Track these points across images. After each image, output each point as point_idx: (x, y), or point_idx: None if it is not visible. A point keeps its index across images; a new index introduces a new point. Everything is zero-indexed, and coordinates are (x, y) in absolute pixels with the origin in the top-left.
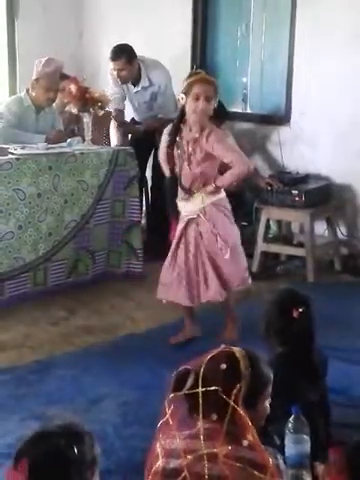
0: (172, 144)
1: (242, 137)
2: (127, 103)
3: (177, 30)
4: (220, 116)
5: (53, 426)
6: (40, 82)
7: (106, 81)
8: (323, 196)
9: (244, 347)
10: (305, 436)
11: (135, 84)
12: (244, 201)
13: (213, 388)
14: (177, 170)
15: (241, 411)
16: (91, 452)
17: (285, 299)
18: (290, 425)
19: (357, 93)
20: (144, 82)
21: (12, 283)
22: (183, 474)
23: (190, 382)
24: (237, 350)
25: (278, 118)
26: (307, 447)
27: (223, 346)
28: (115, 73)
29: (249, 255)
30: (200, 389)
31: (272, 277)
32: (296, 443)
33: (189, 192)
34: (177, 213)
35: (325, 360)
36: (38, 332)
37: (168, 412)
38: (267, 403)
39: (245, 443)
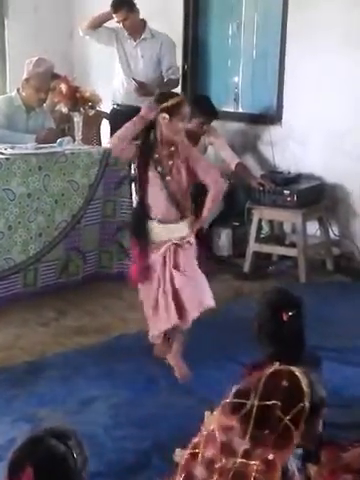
0: (146, 165)
1: (234, 137)
2: (117, 73)
3: (168, 29)
4: (210, 114)
5: (43, 430)
6: (31, 82)
7: (96, 80)
8: (315, 196)
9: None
10: None
11: (136, 39)
12: (236, 201)
13: (271, 402)
14: (156, 192)
15: (294, 430)
16: (84, 453)
17: (276, 301)
18: None
19: (348, 92)
20: (146, 34)
21: (2, 284)
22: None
23: (252, 401)
24: (295, 368)
25: (270, 118)
26: (299, 448)
27: (277, 364)
28: (120, 25)
29: (241, 255)
30: (256, 402)
31: (264, 277)
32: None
33: (182, 212)
34: (147, 240)
35: (318, 361)
36: (29, 333)
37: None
38: (320, 424)
39: (270, 457)
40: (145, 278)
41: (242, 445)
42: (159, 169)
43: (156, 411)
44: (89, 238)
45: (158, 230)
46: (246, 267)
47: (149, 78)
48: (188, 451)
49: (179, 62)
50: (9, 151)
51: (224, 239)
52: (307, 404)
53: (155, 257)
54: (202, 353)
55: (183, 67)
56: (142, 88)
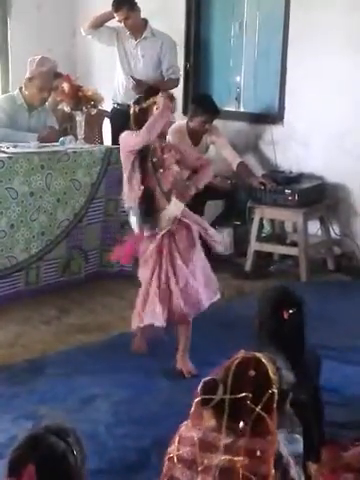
0: (145, 156)
1: (235, 136)
2: (117, 73)
3: (170, 28)
4: (212, 113)
5: (43, 428)
6: (34, 81)
7: (99, 79)
8: (316, 195)
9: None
10: (297, 436)
11: (137, 38)
12: (237, 200)
13: (242, 395)
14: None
15: (268, 418)
16: (83, 450)
17: (277, 299)
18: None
19: (350, 92)
20: (147, 33)
21: (4, 282)
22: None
23: (220, 392)
24: (261, 355)
25: (271, 117)
26: (299, 447)
27: (243, 352)
28: (121, 24)
29: (242, 254)
30: (228, 396)
31: (265, 276)
32: (288, 442)
33: (167, 197)
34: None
35: (318, 360)
36: (30, 331)
37: (192, 421)
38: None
39: (258, 454)
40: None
41: (221, 440)
42: (154, 160)
43: (157, 409)
44: (91, 237)
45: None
46: (247, 266)
47: (149, 77)
48: (166, 458)
49: (181, 61)
50: (11, 150)
51: (225, 238)
52: (275, 390)
53: (151, 246)
54: (203, 351)
55: (185, 66)
56: (139, 86)
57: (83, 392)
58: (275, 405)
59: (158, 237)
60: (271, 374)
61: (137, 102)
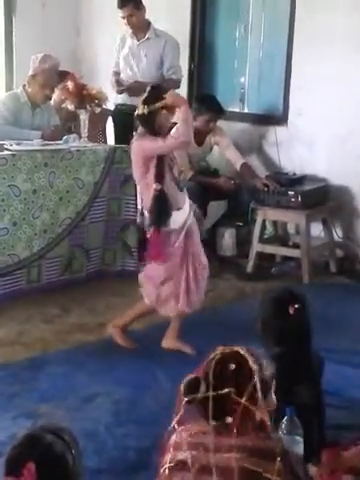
0: (162, 157)
1: (239, 137)
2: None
3: (175, 29)
4: (215, 112)
5: (39, 427)
6: (36, 78)
7: (103, 78)
8: (319, 197)
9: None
10: (298, 437)
11: (140, 38)
12: (240, 201)
13: (226, 390)
14: (169, 182)
15: (256, 409)
16: (78, 449)
17: (281, 296)
18: (283, 426)
19: (354, 94)
20: (150, 34)
21: (6, 280)
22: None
23: (203, 389)
24: (239, 348)
25: (275, 118)
26: (300, 448)
27: (221, 347)
28: (124, 21)
29: (244, 256)
30: (211, 393)
31: (267, 278)
32: (289, 444)
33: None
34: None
35: (321, 362)
36: (31, 329)
37: (176, 419)
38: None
39: (252, 448)
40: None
41: (211, 438)
42: (168, 161)
43: (157, 409)
44: (93, 235)
45: (174, 217)
46: (249, 267)
47: (152, 77)
48: (161, 467)
49: (186, 62)
50: (15, 147)
51: (228, 239)
52: (257, 379)
53: (176, 242)
54: (204, 352)
55: (190, 67)
56: (130, 90)
57: (84, 391)
58: (260, 395)
59: (183, 233)
60: (251, 364)
61: (145, 102)
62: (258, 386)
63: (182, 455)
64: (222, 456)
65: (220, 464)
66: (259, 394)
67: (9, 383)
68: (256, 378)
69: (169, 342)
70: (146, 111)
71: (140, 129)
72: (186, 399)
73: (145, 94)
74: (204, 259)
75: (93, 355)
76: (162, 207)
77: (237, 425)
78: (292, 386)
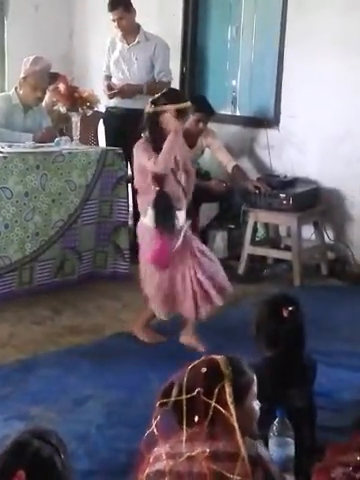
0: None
1: (231, 140)
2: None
3: (167, 32)
4: (205, 111)
5: (26, 432)
6: (28, 80)
7: (95, 81)
8: (311, 200)
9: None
10: (289, 439)
11: (130, 42)
12: (232, 204)
13: (195, 392)
14: (172, 185)
15: (222, 409)
16: (66, 451)
17: (275, 300)
18: (274, 428)
19: (346, 97)
20: (140, 37)
21: None
22: (166, 475)
23: (175, 393)
24: (216, 356)
25: (267, 121)
26: (291, 450)
27: (204, 357)
28: (115, 24)
29: (236, 258)
30: (184, 396)
31: (259, 280)
32: (280, 446)
33: (182, 201)
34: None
35: (314, 365)
36: (23, 331)
37: (154, 423)
38: (255, 404)
39: (223, 452)
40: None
41: (184, 444)
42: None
43: (149, 411)
44: (85, 238)
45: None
46: (241, 269)
47: (143, 80)
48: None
49: (178, 64)
50: (7, 149)
51: (219, 241)
52: (228, 382)
53: (178, 244)
54: (196, 355)
55: (181, 70)
56: (121, 92)
57: (75, 393)
58: (231, 399)
59: (182, 234)
60: (222, 368)
61: (154, 102)
62: (227, 389)
63: (160, 465)
64: (195, 465)
65: (194, 470)
66: (228, 397)
67: (0, 385)
68: (226, 381)
69: (185, 338)
70: (151, 110)
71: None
72: (158, 402)
73: (158, 94)
74: (209, 253)
75: (84, 357)
76: (165, 208)
77: (207, 427)
78: (285, 389)
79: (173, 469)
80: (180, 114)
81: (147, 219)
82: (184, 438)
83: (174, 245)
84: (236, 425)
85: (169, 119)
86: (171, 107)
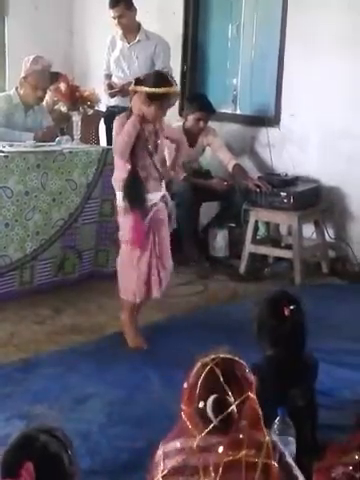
0: (136, 141)
1: (231, 138)
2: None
3: (168, 30)
4: (205, 110)
5: (33, 428)
6: (28, 80)
7: (96, 80)
8: (312, 198)
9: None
10: (290, 438)
11: (130, 41)
12: (233, 202)
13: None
14: (146, 166)
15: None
16: (72, 448)
17: (276, 298)
18: (275, 427)
19: (347, 95)
20: (141, 36)
21: None
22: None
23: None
24: (229, 355)
25: (268, 119)
26: (292, 448)
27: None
28: (115, 22)
29: (237, 257)
30: (234, 404)
31: (260, 279)
32: (281, 444)
33: (160, 179)
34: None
35: (315, 364)
36: (24, 331)
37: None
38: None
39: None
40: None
41: (207, 439)
42: (149, 147)
43: (150, 410)
44: (86, 237)
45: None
46: (242, 268)
47: None
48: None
49: (178, 63)
50: (8, 149)
51: (220, 240)
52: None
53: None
54: (196, 353)
55: (182, 68)
56: (122, 91)
57: (76, 392)
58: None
59: (149, 216)
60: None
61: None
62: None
63: (177, 461)
64: (209, 455)
65: (210, 461)
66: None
67: (1, 384)
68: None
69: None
70: (130, 88)
71: None
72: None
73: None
74: (168, 262)
75: (86, 356)
76: (134, 187)
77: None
78: (286, 387)
79: (187, 464)
80: (152, 98)
81: (118, 196)
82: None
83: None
84: (261, 412)
85: (135, 101)
86: (141, 89)
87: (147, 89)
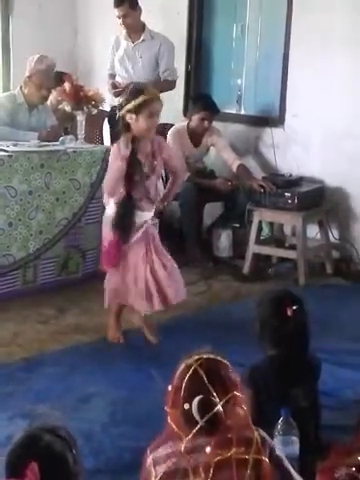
0: (132, 163)
1: (236, 138)
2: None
3: (172, 30)
4: (209, 110)
5: (37, 427)
6: (32, 79)
7: (100, 79)
8: (316, 199)
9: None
10: (294, 438)
11: (134, 41)
12: (237, 203)
13: (229, 396)
14: (139, 188)
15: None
16: (77, 448)
17: (279, 298)
18: (279, 427)
19: (351, 95)
20: (145, 35)
21: (1, 280)
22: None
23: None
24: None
25: (272, 120)
26: (296, 449)
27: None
28: (120, 21)
29: (241, 257)
30: (220, 404)
31: (263, 279)
32: (284, 445)
33: (152, 201)
34: (131, 231)
35: (318, 364)
36: (27, 330)
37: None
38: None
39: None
40: (118, 263)
41: (195, 441)
42: (145, 170)
43: (153, 410)
44: (89, 236)
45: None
46: (246, 268)
47: (148, 79)
48: None
49: (183, 63)
50: (12, 148)
51: (224, 240)
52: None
53: (135, 240)
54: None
55: (186, 68)
56: (124, 91)
57: (79, 391)
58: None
59: (143, 229)
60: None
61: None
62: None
63: (168, 465)
64: (200, 456)
65: (199, 462)
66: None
67: (5, 383)
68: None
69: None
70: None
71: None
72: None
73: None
74: (167, 259)
75: (89, 356)
76: (124, 215)
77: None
78: (289, 388)
79: (178, 467)
80: (136, 112)
81: (108, 212)
82: (189, 436)
83: (131, 241)
84: (248, 411)
85: (132, 123)
86: (124, 112)
87: (128, 107)
